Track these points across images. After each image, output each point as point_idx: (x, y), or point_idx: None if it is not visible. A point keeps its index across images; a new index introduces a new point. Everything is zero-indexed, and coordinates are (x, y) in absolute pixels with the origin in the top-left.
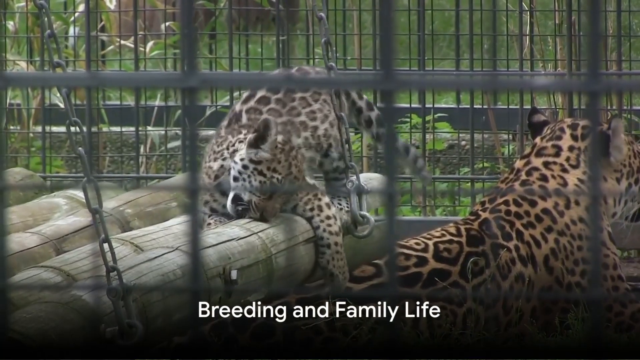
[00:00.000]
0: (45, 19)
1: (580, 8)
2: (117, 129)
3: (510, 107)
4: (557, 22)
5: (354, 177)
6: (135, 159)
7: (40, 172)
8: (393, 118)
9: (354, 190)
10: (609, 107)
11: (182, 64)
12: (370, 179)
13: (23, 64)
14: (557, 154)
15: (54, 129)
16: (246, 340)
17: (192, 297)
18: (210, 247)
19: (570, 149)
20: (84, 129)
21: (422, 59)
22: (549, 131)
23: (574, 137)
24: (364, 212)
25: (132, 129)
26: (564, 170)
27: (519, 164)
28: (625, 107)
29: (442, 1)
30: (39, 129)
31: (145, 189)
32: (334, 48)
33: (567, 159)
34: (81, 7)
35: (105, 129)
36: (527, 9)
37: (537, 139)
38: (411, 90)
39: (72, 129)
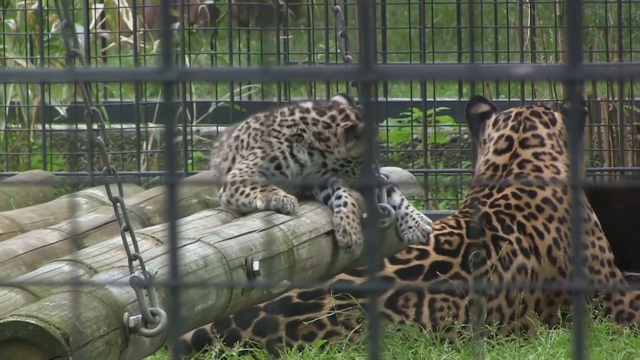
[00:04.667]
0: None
1: None
2: (117, 126)
3: (511, 99)
4: (557, 13)
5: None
6: (137, 156)
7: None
8: (373, 111)
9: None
10: (610, 99)
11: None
12: (391, 172)
13: (23, 62)
14: (542, 144)
15: (55, 127)
16: (248, 335)
17: (172, 293)
18: (231, 238)
19: (549, 136)
20: (99, 120)
21: (423, 52)
22: (513, 122)
23: (545, 124)
24: (385, 204)
25: (133, 126)
26: (554, 159)
27: (499, 159)
28: (627, 98)
29: None
30: (40, 127)
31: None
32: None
33: (552, 147)
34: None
35: (106, 126)
36: (527, 1)
37: (508, 131)
38: (403, 81)
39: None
